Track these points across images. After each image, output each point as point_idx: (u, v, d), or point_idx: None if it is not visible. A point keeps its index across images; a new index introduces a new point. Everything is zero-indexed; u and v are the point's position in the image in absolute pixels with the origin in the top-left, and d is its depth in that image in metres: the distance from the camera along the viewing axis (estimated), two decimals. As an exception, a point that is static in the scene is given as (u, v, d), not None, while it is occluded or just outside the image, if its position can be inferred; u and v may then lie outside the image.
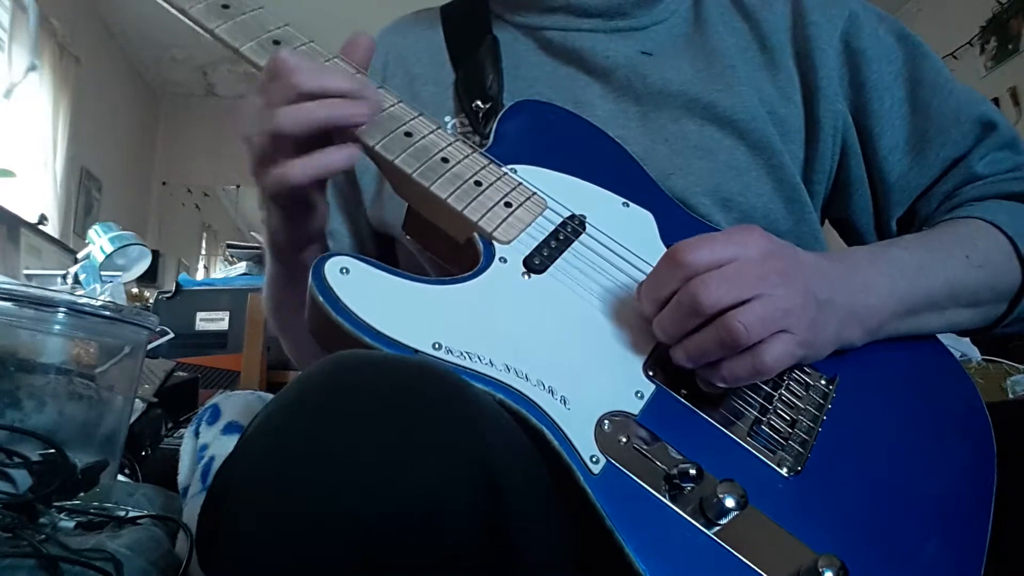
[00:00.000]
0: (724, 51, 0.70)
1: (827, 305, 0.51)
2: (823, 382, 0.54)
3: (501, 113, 0.65)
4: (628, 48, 0.71)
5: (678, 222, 0.62)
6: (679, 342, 0.49)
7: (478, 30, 0.75)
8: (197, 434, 0.78)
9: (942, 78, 0.70)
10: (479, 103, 0.69)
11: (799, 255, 0.52)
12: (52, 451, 0.66)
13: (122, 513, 0.65)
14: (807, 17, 0.70)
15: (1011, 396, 1.62)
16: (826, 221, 0.76)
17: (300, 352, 0.77)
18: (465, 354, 0.45)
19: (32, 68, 3.22)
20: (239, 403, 0.80)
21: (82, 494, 0.68)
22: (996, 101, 3.27)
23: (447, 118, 0.72)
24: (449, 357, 0.45)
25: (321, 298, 0.45)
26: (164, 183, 5.07)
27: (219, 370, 1.83)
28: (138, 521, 0.63)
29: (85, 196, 4.04)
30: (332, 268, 0.46)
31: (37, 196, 3.32)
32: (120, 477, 0.85)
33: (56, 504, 0.63)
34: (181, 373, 1.43)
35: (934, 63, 0.70)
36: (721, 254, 0.48)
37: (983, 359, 1.70)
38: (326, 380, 0.38)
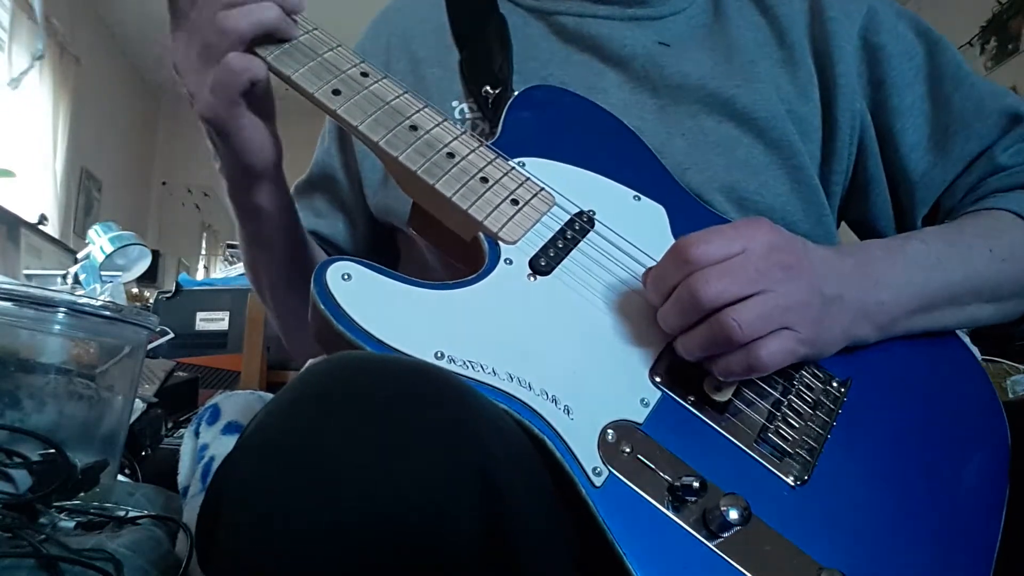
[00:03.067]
0: (744, 45, 0.69)
1: (835, 302, 0.50)
2: (835, 385, 0.53)
3: (511, 100, 0.63)
4: (645, 38, 0.69)
5: (690, 216, 0.60)
6: (680, 336, 0.48)
7: (483, 7, 0.73)
8: (197, 434, 0.78)
9: (963, 72, 0.69)
10: (488, 88, 0.67)
11: (808, 249, 0.51)
12: (52, 451, 0.66)
13: (122, 513, 0.65)
14: (825, 13, 0.69)
15: (1011, 396, 1.61)
16: (842, 224, 0.75)
17: (278, 312, 0.76)
18: (467, 363, 0.44)
19: (39, 57, 3.17)
20: (239, 403, 0.80)
21: (82, 494, 0.67)
22: (996, 101, 3.26)
23: (454, 103, 0.70)
24: (451, 366, 0.44)
25: (322, 305, 0.44)
26: (164, 183, 5.07)
27: (219, 370, 1.83)
28: (138, 521, 0.63)
29: (85, 196, 4.04)
30: (334, 274, 0.46)
31: (37, 196, 3.32)
32: (120, 477, 0.85)
33: (56, 504, 0.63)
34: (181, 373, 1.44)
35: (954, 57, 0.69)
36: (726, 249, 0.47)
37: (983, 359, 1.70)
38: (325, 381, 0.38)
